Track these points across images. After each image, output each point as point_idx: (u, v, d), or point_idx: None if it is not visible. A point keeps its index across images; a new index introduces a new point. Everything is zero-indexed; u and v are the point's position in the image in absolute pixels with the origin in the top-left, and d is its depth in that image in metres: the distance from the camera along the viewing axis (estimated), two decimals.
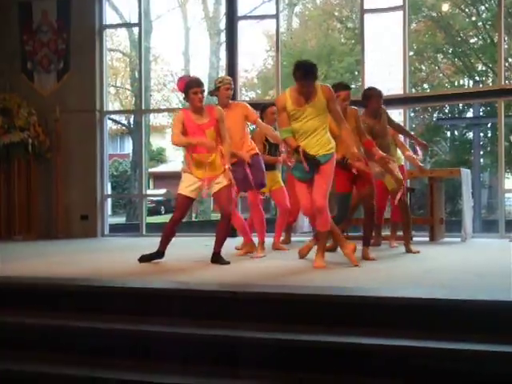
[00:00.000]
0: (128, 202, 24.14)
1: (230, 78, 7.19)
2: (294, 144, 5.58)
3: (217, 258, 6.10)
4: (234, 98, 10.80)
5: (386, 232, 8.18)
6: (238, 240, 7.71)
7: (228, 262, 6.05)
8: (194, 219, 21.93)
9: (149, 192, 9.19)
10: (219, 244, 6.13)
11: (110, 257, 7.18)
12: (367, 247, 6.38)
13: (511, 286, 4.48)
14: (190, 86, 6.10)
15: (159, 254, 6.26)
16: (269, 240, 7.26)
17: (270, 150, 7.62)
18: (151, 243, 8.04)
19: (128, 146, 28.06)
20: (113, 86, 22.78)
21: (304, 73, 5.61)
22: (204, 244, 7.39)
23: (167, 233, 6.22)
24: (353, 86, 20.75)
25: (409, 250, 6.98)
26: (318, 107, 5.60)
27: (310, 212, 5.71)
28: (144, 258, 6.23)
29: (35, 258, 6.75)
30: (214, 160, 6.05)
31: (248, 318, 4.21)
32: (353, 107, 6.54)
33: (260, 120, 7.04)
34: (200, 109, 6.12)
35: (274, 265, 6.12)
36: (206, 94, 6.30)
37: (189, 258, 6.79)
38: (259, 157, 6.81)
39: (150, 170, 23.22)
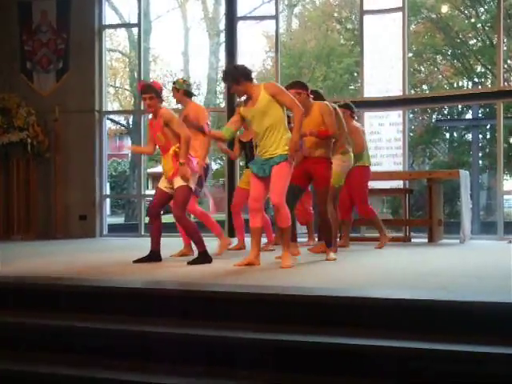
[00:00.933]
0: (127, 202, 24.15)
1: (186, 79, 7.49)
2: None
3: (198, 258, 6.20)
4: (232, 98, 10.87)
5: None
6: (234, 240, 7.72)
7: (205, 262, 6.12)
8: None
9: (147, 192, 9.22)
10: (197, 245, 6.23)
11: (108, 257, 7.18)
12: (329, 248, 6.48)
13: (510, 287, 4.48)
14: (141, 91, 6.31)
15: (153, 254, 6.33)
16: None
17: (245, 149, 7.83)
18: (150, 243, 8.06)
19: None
20: (112, 86, 22.81)
21: (222, 77, 5.93)
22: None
23: (151, 231, 6.39)
24: (351, 87, 20.86)
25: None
26: (264, 106, 5.65)
27: (256, 206, 5.78)
28: (139, 261, 6.27)
29: (34, 257, 6.75)
30: (166, 163, 6.24)
31: (245, 318, 4.21)
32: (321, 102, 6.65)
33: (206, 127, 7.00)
34: (153, 113, 6.29)
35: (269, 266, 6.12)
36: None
37: (187, 259, 6.79)
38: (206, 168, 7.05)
39: (149, 170, 23.19)
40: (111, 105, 21.91)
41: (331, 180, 6.59)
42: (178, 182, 6.10)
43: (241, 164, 8.15)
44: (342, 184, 7.26)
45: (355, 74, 19.68)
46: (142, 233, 10.69)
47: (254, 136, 5.92)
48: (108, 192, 14.35)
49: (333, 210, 6.90)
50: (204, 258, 6.17)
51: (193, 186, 6.21)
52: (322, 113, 6.44)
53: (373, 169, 9.84)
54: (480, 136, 20.00)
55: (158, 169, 29.16)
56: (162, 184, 6.29)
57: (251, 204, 5.82)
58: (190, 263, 6.08)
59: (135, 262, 6.25)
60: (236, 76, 5.71)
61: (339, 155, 7.14)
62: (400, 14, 10.15)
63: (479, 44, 20.57)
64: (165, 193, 6.25)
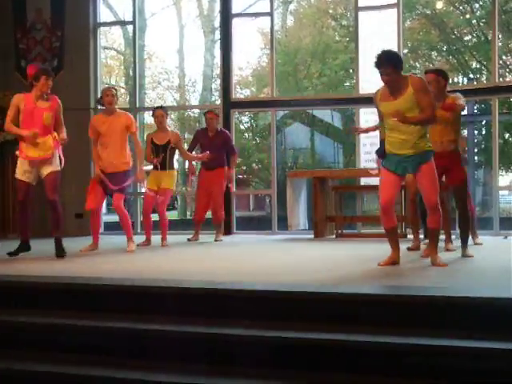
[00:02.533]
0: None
1: (111, 86, 8.00)
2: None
3: (58, 250, 6.58)
4: (227, 95, 10.86)
5: None
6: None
7: (64, 254, 6.56)
8: (189, 217, 21.90)
9: (143, 190, 9.23)
10: (59, 232, 6.61)
11: (104, 255, 7.18)
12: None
13: (509, 282, 4.49)
14: (42, 72, 6.62)
15: (24, 245, 6.72)
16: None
17: (158, 150, 8.23)
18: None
19: None
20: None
21: (375, 62, 5.41)
22: None
23: (20, 220, 6.76)
24: (347, 84, 20.86)
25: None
26: (410, 101, 5.34)
27: (388, 205, 5.54)
28: (12, 253, 6.65)
29: (29, 256, 6.74)
30: (46, 141, 6.56)
31: (244, 315, 4.21)
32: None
33: (137, 135, 7.66)
34: (45, 95, 6.62)
35: (277, 262, 6.13)
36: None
37: (181, 257, 6.82)
38: (126, 172, 7.47)
39: (145, 168, 23.20)
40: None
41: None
42: (52, 167, 6.61)
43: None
44: None
45: (350, 71, 19.66)
46: (138, 230, 10.67)
47: (389, 130, 5.50)
48: None
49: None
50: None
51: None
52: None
53: (368, 165, 9.89)
54: (475, 132, 20.01)
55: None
56: (23, 174, 6.65)
57: (386, 206, 5.55)
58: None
59: (9, 254, 6.65)
60: (401, 61, 5.39)
61: None
62: (395, 10, 10.16)
63: (474, 40, 20.58)
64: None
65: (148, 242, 8.26)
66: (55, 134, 6.68)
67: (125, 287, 4.71)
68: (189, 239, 9.01)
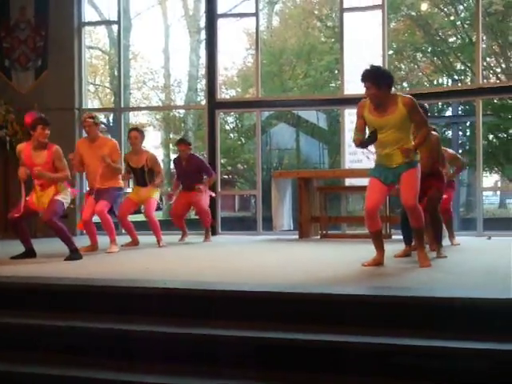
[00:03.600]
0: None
1: (91, 114, 7.94)
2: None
3: (71, 256, 6.55)
4: (212, 96, 10.85)
5: None
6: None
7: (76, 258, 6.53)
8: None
9: (129, 190, 9.18)
10: (67, 244, 6.57)
11: (90, 256, 7.14)
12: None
13: (489, 283, 4.51)
14: (38, 122, 6.69)
15: (29, 252, 6.72)
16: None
17: (135, 173, 8.40)
18: (126, 240, 8.05)
19: None
20: (92, 83, 22.62)
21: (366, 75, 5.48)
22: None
23: (19, 236, 6.76)
24: (332, 85, 20.89)
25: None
26: (399, 120, 5.44)
27: (373, 211, 5.60)
28: (16, 257, 6.62)
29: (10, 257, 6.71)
30: (45, 194, 6.61)
31: (229, 316, 4.21)
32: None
33: (118, 162, 7.78)
34: (43, 144, 6.66)
35: (261, 264, 6.13)
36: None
37: (171, 257, 6.81)
38: (114, 190, 7.66)
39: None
40: (91, 102, 21.71)
41: None
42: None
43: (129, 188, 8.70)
44: None
45: (336, 72, 19.70)
46: (123, 231, 10.62)
47: (378, 144, 5.57)
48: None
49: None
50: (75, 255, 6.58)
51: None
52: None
53: (354, 166, 9.92)
54: (460, 133, 20.10)
55: None
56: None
57: (371, 211, 5.59)
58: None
59: (12, 258, 6.61)
60: (385, 81, 5.43)
61: None
62: (380, 11, 10.19)
63: (459, 41, 20.68)
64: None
65: (134, 242, 8.29)
66: (55, 186, 6.66)
67: (109, 288, 4.69)
68: (179, 240, 9.10)
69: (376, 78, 5.40)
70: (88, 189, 7.96)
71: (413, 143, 5.54)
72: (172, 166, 9.68)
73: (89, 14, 13.90)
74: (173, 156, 18.96)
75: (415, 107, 5.51)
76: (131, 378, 3.88)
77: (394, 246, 7.02)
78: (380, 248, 5.74)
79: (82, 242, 7.68)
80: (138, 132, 8.44)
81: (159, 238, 8.31)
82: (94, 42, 22.11)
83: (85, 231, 8.00)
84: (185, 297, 4.43)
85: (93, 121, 7.61)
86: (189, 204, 9.14)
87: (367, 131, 5.65)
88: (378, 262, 5.69)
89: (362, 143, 5.65)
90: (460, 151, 20.02)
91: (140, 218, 10.26)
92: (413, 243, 6.36)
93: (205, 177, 9.14)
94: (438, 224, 6.60)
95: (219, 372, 3.84)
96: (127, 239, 8.36)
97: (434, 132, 6.68)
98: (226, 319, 4.18)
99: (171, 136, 22.05)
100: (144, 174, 8.30)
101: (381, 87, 5.39)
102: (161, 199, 23.03)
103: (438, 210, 6.58)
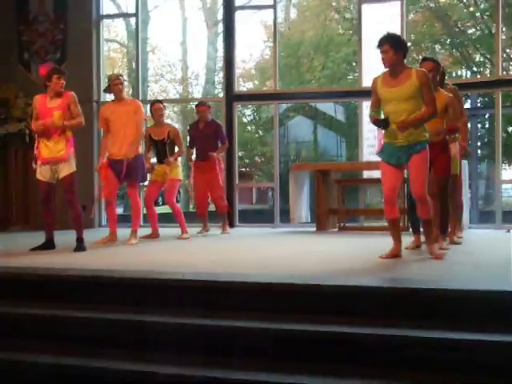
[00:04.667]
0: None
1: (119, 74, 7.96)
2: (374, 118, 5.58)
3: (80, 246, 6.65)
4: (230, 88, 10.86)
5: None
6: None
7: (85, 249, 6.63)
8: (191, 210, 21.91)
9: (146, 183, 9.16)
10: (78, 230, 6.72)
11: (106, 247, 7.19)
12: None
13: (509, 276, 4.49)
14: (53, 72, 6.70)
15: (48, 243, 6.78)
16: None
17: (157, 145, 8.28)
18: (147, 232, 8.09)
19: None
20: (107, 78, 22.70)
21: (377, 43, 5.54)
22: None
23: (45, 219, 6.83)
24: (350, 77, 20.83)
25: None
26: (412, 91, 5.41)
27: (391, 196, 5.58)
28: (35, 249, 6.67)
29: (28, 247, 6.76)
30: (58, 141, 6.61)
31: (242, 307, 4.22)
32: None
33: (141, 122, 7.59)
34: (59, 93, 6.67)
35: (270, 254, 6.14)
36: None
37: (182, 249, 6.83)
38: (140, 156, 7.53)
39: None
40: (109, 95, 21.86)
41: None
42: (68, 168, 6.65)
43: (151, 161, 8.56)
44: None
45: (353, 64, 19.62)
46: (141, 223, 10.67)
47: (389, 116, 5.50)
48: None
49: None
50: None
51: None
52: (447, 104, 6.23)
53: (371, 158, 9.88)
54: (479, 125, 19.96)
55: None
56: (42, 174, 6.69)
57: (390, 197, 5.58)
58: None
59: (32, 249, 6.65)
60: (401, 45, 5.50)
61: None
62: (398, 3, 10.13)
63: (478, 33, 20.51)
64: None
65: (155, 234, 8.24)
66: (69, 133, 6.72)
67: (126, 279, 4.73)
68: (198, 232, 8.90)
69: (394, 41, 5.47)
70: (100, 161, 7.67)
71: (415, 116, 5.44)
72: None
73: (107, 6, 13.92)
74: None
75: (428, 82, 5.47)
76: (146, 368, 3.90)
77: (409, 238, 7.00)
78: (397, 239, 5.70)
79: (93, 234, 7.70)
80: (161, 104, 8.45)
81: (184, 227, 8.24)
82: (112, 34, 22.19)
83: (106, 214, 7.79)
84: (201, 288, 4.44)
85: (122, 79, 7.61)
86: (207, 182, 8.81)
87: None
88: (396, 254, 5.66)
89: (375, 121, 5.64)
90: (479, 143, 19.91)
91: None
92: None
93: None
94: (445, 212, 6.42)
95: (234, 363, 3.86)
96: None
97: (446, 90, 6.53)
98: (243, 310, 4.19)
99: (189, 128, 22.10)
100: (165, 147, 8.23)
101: (397, 51, 5.44)
102: (179, 192, 22.90)
103: (447, 195, 6.41)
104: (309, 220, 10.26)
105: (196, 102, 9.60)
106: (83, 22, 10.94)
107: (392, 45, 5.43)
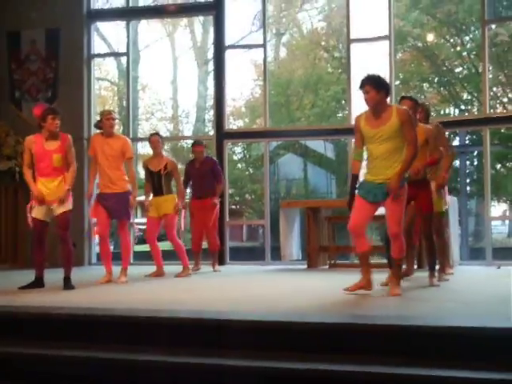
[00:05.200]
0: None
1: (111, 110, 8.03)
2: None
3: (67, 284, 6.63)
4: (220, 126, 10.92)
5: None
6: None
7: (73, 287, 6.59)
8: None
9: (137, 220, 9.12)
10: (67, 269, 6.70)
11: (97, 286, 7.15)
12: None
13: (500, 313, 4.48)
14: (48, 112, 6.70)
15: (38, 281, 6.72)
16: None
17: (152, 177, 8.28)
18: (139, 271, 8.07)
19: None
20: (99, 114, 22.79)
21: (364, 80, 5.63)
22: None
23: (36, 258, 6.80)
24: (339, 115, 20.99)
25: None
26: (393, 131, 5.46)
27: (357, 231, 5.61)
28: (25, 287, 6.61)
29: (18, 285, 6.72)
30: (58, 184, 6.64)
31: (235, 346, 4.19)
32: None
33: (132, 161, 7.59)
34: (54, 134, 6.66)
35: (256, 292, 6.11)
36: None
37: (175, 287, 6.80)
38: (126, 193, 7.38)
39: (138, 198, 23.22)
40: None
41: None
42: (65, 207, 6.65)
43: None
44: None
45: (343, 102, 19.79)
46: (132, 261, 10.62)
47: (369, 156, 5.65)
48: None
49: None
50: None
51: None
52: (427, 137, 6.32)
53: None
54: (467, 162, 20.11)
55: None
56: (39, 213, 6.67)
57: (355, 230, 5.62)
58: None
59: (21, 288, 6.60)
60: (382, 85, 5.56)
61: None
62: (387, 42, 10.27)
63: (465, 72, 20.77)
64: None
65: (159, 272, 8.19)
66: (66, 173, 6.76)
67: (117, 317, 4.69)
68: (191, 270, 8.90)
69: (375, 81, 5.55)
70: (89, 189, 7.68)
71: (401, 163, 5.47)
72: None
73: (98, 46, 14.08)
74: None
75: (408, 120, 5.50)
76: None
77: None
78: (365, 272, 5.68)
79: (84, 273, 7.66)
80: (158, 136, 8.52)
81: (186, 263, 8.21)
82: (103, 73, 22.32)
83: (100, 252, 7.74)
84: (193, 326, 4.42)
85: (114, 115, 7.61)
86: (203, 220, 8.89)
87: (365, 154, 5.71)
88: (361, 287, 5.65)
89: (352, 182, 5.76)
90: (468, 180, 20.04)
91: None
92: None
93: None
94: (432, 248, 6.46)
95: None
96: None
97: (428, 125, 6.65)
98: (236, 348, 4.16)
99: (179, 166, 22.13)
100: (161, 180, 8.22)
101: (379, 91, 5.49)
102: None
103: (431, 232, 6.44)
104: (300, 257, 10.24)
105: (190, 141, 9.66)
106: (74, 60, 11.03)
107: (373, 85, 5.51)
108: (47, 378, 4.30)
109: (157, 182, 8.27)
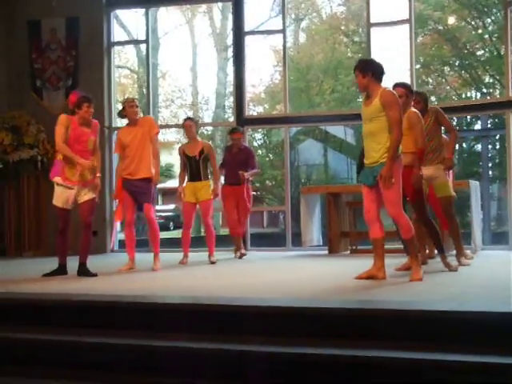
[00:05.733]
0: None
1: (133, 98, 7.81)
2: None
3: (83, 270, 6.65)
4: (240, 112, 10.91)
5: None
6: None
7: (95, 274, 6.58)
8: (203, 234, 21.92)
9: (157, 208, 9.14)
10: (84, 255, 6.72)
11: (118, 272, 7.20)
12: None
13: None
14: (84, 100, 6.72)
15: (61, 268, 6.76)
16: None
17: (190, 162, 8.18)
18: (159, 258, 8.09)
19: None
20: (121, 102, 22.87)
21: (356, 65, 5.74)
22: None
23: (60, 245, 6.85)
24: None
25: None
26: (372, 112, 5.53)
27: (368, 217, 5.70)
28: (48, 274, 6.69)
29: (39, 273, 6.78)
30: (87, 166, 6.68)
31: (256, 331, 4.21)
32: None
33: (157, 137, 7.54)
34: (87, 121, 6.72)
35: (274, 278, 6.13)
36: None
37: (196, 273, 6.83)
38: (151, 179, 7.33)
39: (159, 185, 23.32)
40: (120, 121, 22.00)
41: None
42: (90, 194, 6.73)
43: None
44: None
45: None
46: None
47: (363, 136, 5.74)
48: None
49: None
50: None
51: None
52: (412, 122, 6.18)
53: None
54: (489, 146, 19.93)
55: (168, 184, 29.35)
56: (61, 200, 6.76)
57: (366, 216, 5.73)
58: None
59: (45, 275, 6.68)
60: (370, 69, 5.59)
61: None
62: (407, 26, 10.18)
63: (487, 54, 20.55)
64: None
65: (186, 259, 8.18)
66: (93, 158, 6.81)
67: (137, 304, 4.73)
68: (236, 256, 8.97)
69: (362, 65, 5.65)
70: (117, 185, 7.57)
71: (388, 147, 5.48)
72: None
73: (118, 33, 14.12)
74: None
75: (391, 102, 5.49)
76: None
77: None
78: (377, 259, 5.70)
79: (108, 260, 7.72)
80: (191, 121, 8.43)
81: (212, 250, 8.21)
82: (123, 61, 22.39)
83: (125, 238, 7.66)
84: (213, 312, 4.44)
85: (137, 103, 7.54)
86: (237, 205, 8.90)
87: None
88: (371, 274, 5.68)
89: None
90: (490, 164, 19.87)
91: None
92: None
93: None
94: (434, 232, 6.38)
95: None
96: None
97: (430, 112, 6.72)
98: (255, 334, 4.17)
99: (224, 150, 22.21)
100: (198, 164, 8.15)
101: (365, 75, 5.56)
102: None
103: (426, 215, 6.33)
104: (321, 243, 10.24)
105: (209, 128, 9.57)
106: (94, 48, 11.06)
107: (360, 70, 5.60)
108: (64, 365, 4.34)
109: (194, 167, 8.17)
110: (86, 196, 6.72)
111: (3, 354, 4.52)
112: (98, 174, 6.83)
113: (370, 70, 5.57)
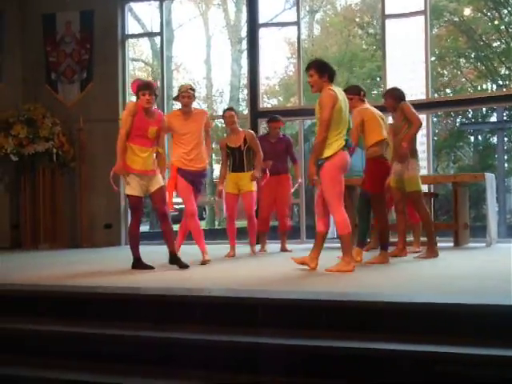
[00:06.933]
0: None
1: (189, 85, 7.45)
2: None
3: (175, 260, 6.49)
4: (255, 105, 10.90)
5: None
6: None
7: (187, 266, 6.41)
8: (217, 227, 21.96)
9: (174, 200, 9.14)
10: (171, 245, 6.52)
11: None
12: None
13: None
14: (140, 88, 6.49)
15: (138, 261, 6.55)
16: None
17: (234, 153, 7.98)
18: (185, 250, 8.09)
19: None
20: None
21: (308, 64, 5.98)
22: None
23: (135, 237, 6.59)
24: (374, 92, 20.80)
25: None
26: (316, 111, 5.83)
27: (316, 211, 6.23)
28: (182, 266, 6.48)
29: (59, 267, 6.81)
30: (149, 155, 6.48)
31: (270, 324, 4.21)
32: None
33: (209, 131, 7.43)
34: (149, 110, 6.50)
35: (289, 269, 6.13)
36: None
37: (211, 265, 6.84)
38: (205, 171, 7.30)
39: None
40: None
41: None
42: (160, 182, 6.52)
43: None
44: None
45: (378, 79, 19.61)
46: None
47: None
48: None
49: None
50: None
51: None
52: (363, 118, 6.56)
53: None
54: (505, 139, 19.81)
55: None
56: (136, 189, 6.48)
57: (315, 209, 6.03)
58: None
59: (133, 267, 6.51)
60: (326, 70, 5.77)
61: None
62: (422, 17, 10.11)
63: (503, 46, 20.41)
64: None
65: (233, 252, 7.98)
66: (158, 149, 6.63)
67: (150, 296, 4.75)
68: (260, 251, 8.57)
69: (318, 66, 5.79)
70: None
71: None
72: None
73: (132, 26, 14.13)
74: (217, 166, 19.12)
75: (322, 103, 5.74)
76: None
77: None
78: (316, 249, 6.24)
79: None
80: (231, 111, 8.21)
81: (253, 242, 8.13)
82: (138, 54, 22.45)
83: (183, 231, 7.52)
84: (228, 305, 4.44)
85: (193, 92, 7.27)
86: (275, 198, 8.57)
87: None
88: (304, 262, 6.17)
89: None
90: (506, 157, 19.75)
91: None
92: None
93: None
94: (382, 226, 6.89)
95: (261, 381, 3.84)
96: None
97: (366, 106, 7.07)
98: (271, 327, 4.18)
99: (213, 146, 22.18)
100: (242, 155, 7.93)
101: (322, 76, 5.75)
102: (204, 209, 22.53)
103: (367, 212, 7.06)
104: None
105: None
106: (109, 41, 11.08)
107: (316, 69, 5.75)
108: (83, 356, 4.36)
109: (238, 158, 7.97)
110: (156, 185, 6.49)
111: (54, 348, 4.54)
112: (164, 165, 6.69)
113: (327, 72, 5.78)
